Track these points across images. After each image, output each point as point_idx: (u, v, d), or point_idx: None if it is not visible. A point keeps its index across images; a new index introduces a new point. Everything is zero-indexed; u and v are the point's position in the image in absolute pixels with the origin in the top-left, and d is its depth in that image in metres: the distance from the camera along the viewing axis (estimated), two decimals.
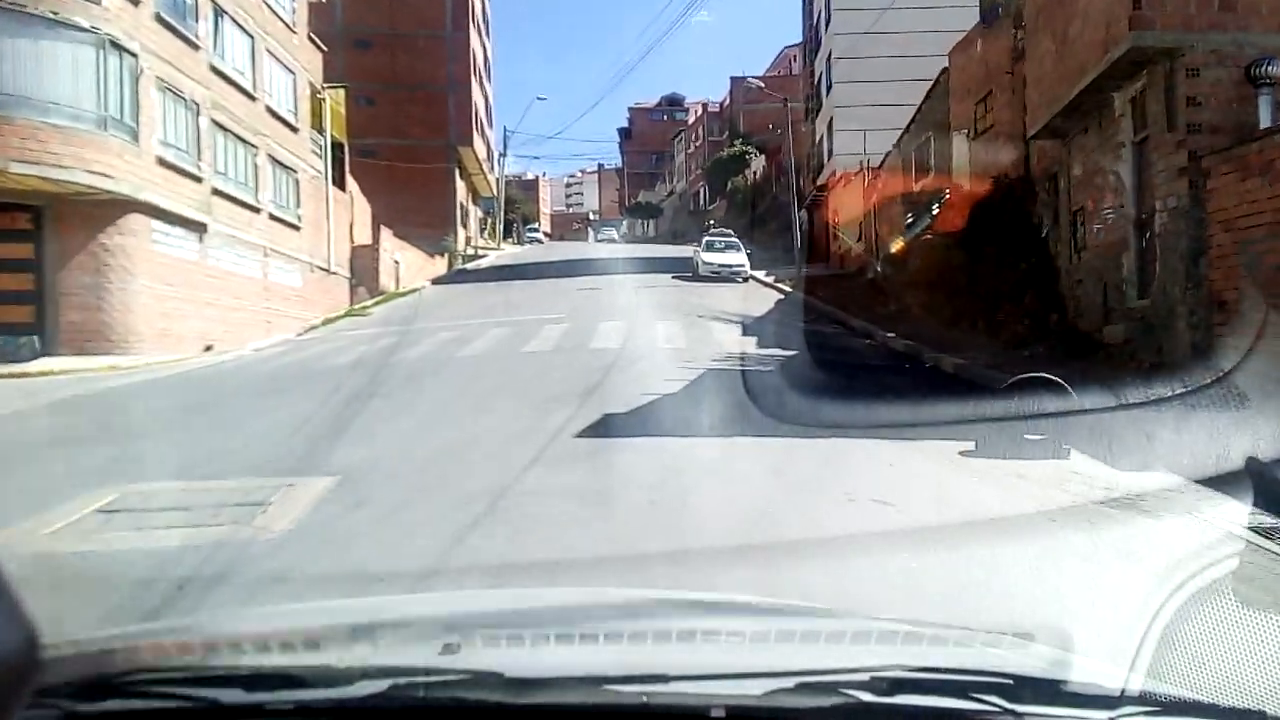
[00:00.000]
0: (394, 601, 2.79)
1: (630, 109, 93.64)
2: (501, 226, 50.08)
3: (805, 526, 5.14)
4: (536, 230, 66.23)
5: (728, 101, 70.79)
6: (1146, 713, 1.25)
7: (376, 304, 24.24)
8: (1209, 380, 6.76)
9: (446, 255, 38.08)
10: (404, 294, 26.48)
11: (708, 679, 1.29)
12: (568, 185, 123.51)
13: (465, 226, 42.47)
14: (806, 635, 1.72)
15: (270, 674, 1.31)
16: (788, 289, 23.69)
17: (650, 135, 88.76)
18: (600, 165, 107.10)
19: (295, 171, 24.17)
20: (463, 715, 1.23)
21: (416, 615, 1.95)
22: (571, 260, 36.31)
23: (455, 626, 1.66)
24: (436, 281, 30.23)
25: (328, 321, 20.85)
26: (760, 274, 28.60)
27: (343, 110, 28.30)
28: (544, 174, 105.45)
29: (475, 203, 52.78)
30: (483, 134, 48.02)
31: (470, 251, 41.81)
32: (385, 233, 28.91)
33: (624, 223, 79.15)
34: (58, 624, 1.29)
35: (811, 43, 40.63)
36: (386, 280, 28.62)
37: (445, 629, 1.62)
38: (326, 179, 26.15)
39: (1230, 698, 1.41)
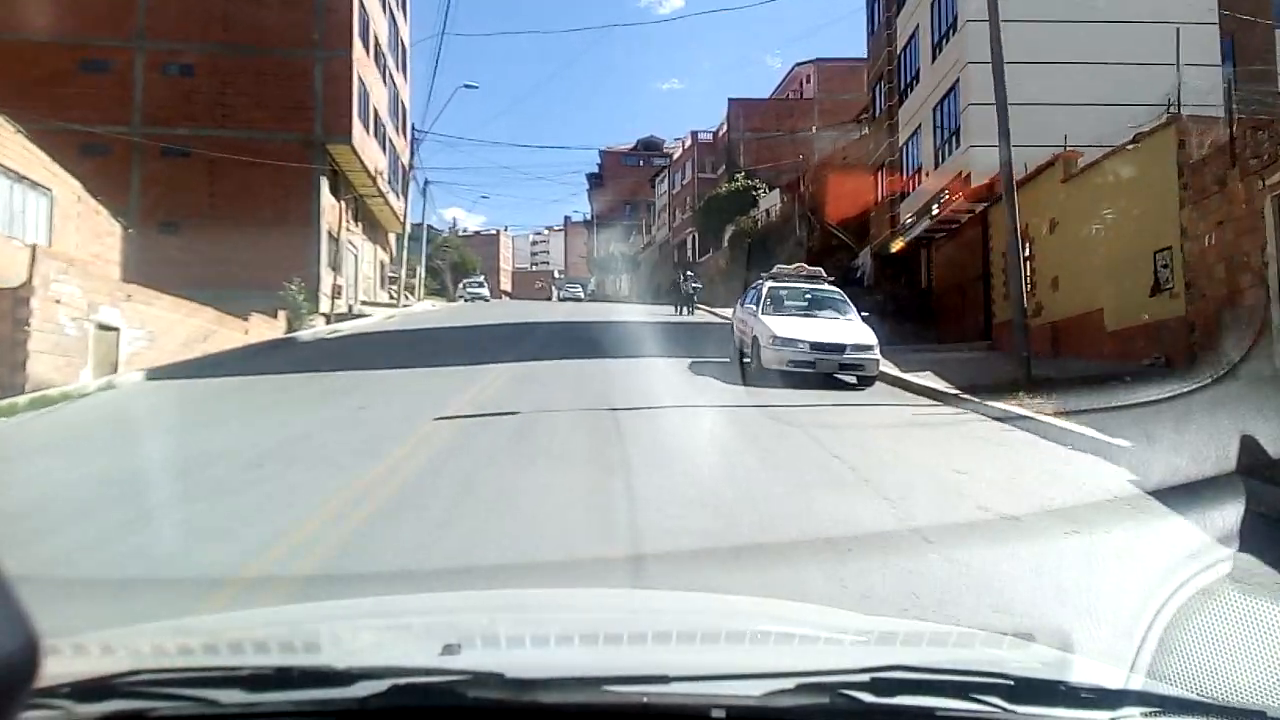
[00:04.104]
0: (394, 601, 2.65)
1: (602, 152, 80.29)
2: (404, 272, 33.94)
3: None
4: (482, 285, 48.83)
5: (724, 129, 56.50)
6: (1146, 713, 1.23)
7: None
8: None
9: (284, 314, 21.94)
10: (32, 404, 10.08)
11: (708, 679, 1.27)
12: (533, 242, 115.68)
13: (337, 270, 26.46)
14: (806, 635, 1.73)
15: (270, 674, 1.27)
16: (1105, 439, 7.51)
17: (624, 182, 76.60)
18: (567, 218, 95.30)
19: None
20: (463, 715, 1.20)
21: (416, 615, 1.93)
22: (508, 326, 21.16)
23: (455, 626, 1.66)
24: (155, 375, 13.52)
25: None
26: (891, 368, 12.92)
27: None
28: (505, 228, 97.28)
29: (379, 242, 36.79)
30: (380, 136, 32.31)
31: (343, 308, 25.69)
32: (54, 266, 12.69)
33: (593, 279, 65.37)
34: None
35: None
36: (61, 364, 12.43)
37: (445, 629, 1.61)
38: None
39: (1230, 697, 1.38)
